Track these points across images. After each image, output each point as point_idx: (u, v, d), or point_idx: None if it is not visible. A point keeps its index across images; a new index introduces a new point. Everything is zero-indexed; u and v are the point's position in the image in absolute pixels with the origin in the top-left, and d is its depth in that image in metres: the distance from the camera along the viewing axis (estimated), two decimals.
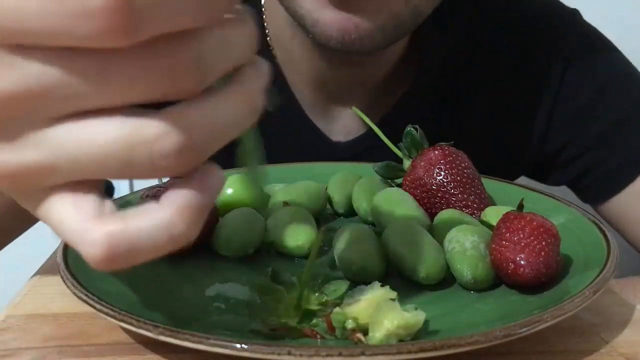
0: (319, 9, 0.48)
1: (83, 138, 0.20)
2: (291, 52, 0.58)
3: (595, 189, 0.60)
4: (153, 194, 0.41)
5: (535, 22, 0.61)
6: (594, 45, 0.60)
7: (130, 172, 0.21)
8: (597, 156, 0.59)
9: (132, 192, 0.49)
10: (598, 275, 0.33)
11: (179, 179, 0.23)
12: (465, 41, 0.60)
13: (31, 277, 0.41)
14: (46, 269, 0.42)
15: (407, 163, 0.45)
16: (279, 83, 0.59)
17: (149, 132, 0.20)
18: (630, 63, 0.61)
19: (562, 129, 0.60)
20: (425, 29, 0.58)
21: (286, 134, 0.60)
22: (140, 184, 1.25)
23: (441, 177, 0.42)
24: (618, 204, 0.59)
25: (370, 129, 0.60)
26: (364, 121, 0.60)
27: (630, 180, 0.58)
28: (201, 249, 0.41)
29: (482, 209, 0.42)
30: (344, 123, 0.61)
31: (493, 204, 0.45)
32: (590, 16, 0.63)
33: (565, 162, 0.61)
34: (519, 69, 0.60)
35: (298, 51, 0.57)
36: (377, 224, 0.43)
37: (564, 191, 0.64)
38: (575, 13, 0.62)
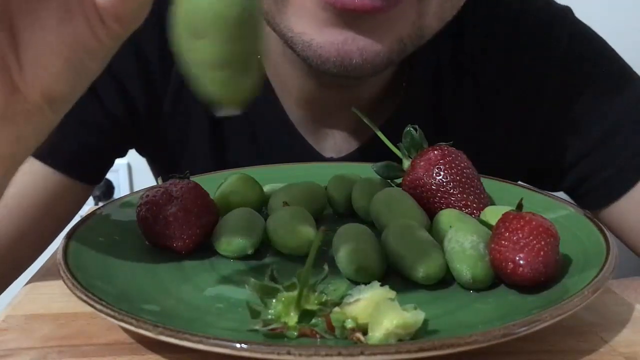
0: (316, 30, 0.44)
1: None
2: (280, 69, 0.57)
3: (594, 196, 0.59)
4: (153, 194, 0.41)
5: (525, 24, 0.59)
6: (588, 47, 0.59)
7: None
8: (595, 163, 0.58)
9: (132, 192, 0.50)
10: (597, 275, 0.33)
11: None
12: (453, 52, 0.59)
13: (31, 277, 0.41)
14: (46, 269, 0.42)
15: (406, 163, 0.45)
16: (269, 99, 0.58)
17: None
18: (625, 62, 0.60)
19: (558, 136, 0.59)
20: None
21: (278, 150, 0.59)
22: (140, 184, 1.26)
23: (440, 177, 0.43)
24: (617, 210, 0.58)
25: (362, 147, 0.60)
26: (355, 138, 0.60)
27: (628, 186, 0.57)
28: (201, 249, 0.41)
29: (482, 209, 0.42)
30: (335, 141, 0.60)
31: (492, 203, 0.45)
32: (581, 13, 0.61)
33: (562, 170, 0.60)
34: (510, 76, 0.59)
35: (286, 69, 0.56)
36: (377, 224, 0.43)
37: None
38: (567, 11, 0.60)
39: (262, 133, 0.60)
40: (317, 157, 0.60)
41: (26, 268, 0.56)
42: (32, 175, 0.54)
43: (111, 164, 0.62)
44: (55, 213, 0.56)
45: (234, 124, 0.59)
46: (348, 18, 0.43)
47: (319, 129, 0.60)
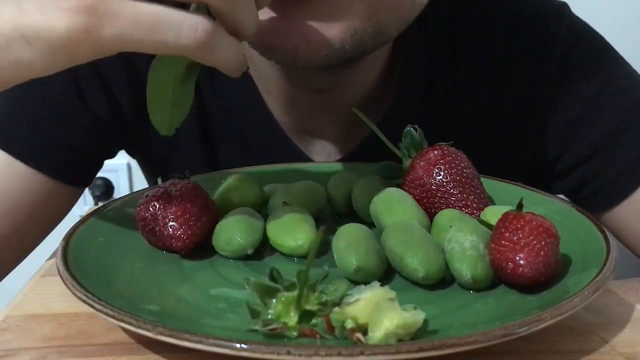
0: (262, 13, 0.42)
1: None
2: (263, 74, 0.56)
3: (595, 200, 0.58)
4: (153, 194, 0.41)
5: (521, 22, 0.58)
6: (586, 45, 0.58)
7: None
8: (595, 167, 0.57)
9: (132, 192, 0.50)
10: (597, 275, 0.33)
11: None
12: (447, 51, 0.58)
13: (31, 277, 0.41)
14: (46, 269, 0.42)
15: (406, 163, 0.45)
16: (256, 102, 0.58)
17: None
18: (624, 60, 0.59)
19: (557, 138, 0.58)
20: (407, 42, 0.56)
21: (267, 153, 0.59)
22: (140, 184, 1.26)
23: (440, 177, 0.43)
24: (618, 214, 0.57)
25: (352, 151, 0.59)
26: (345, 143, 0.59)
27: (630, 190, 0.56)
28: (201, 249, 0.41)
29: (482, 209, 0.42)
30: (324, 145, 0.59)
31: (492, 203, 0.45)
32: (579, 9, 0.61)
33: (562, 173, 0.60)
34: (507, 76, 0.58)
35: (268, 73, 0.56)
36: (376, 224, 0.43)
37: None
38: (564, 7, 0.59)
39: (251, 137, 0.59)
40: (306, 160, 0.59)
41: (8, 271, 0.55)
42: (17, 178, 0.53)
43: (100, 166, 0.61)
44: (41, 216, 0.55)
45: (223, 126, 0.59)
46: (292, 2, 0.42)
47: (307, 132, 0.59)
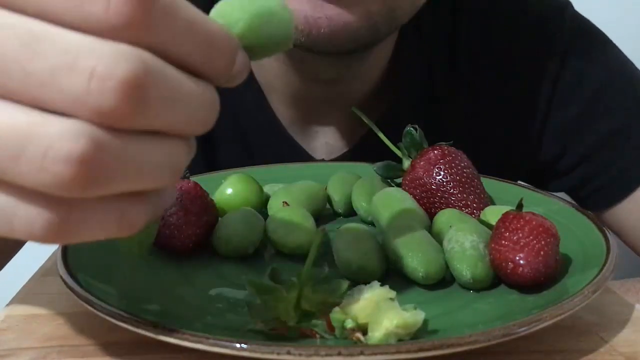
0: None
1: None
2: (266, 68, 0.57)
3: (595, 199, 0.59)
4: None
5: (522, 20, 0.58)
6: (588, 43, 0.58)
7: (15, 167, 0.20)
8: (596, 165, 0.57)
9: None
10: (597, 275, 0.33)
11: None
12: (448, 48, 0.58)
13: (31, 277, 0.41)
14: (46, 269, 0.42)
15: (406, 163, 0.45)
16: (258, 100, 0.58)
17: (53, 129, 0.19)
18: (626, 58, 0.59)
19: (558, 137, 0.58)
20: (406, 41, 0.57)
21: (268, 151, 0.59)
22: None
23: (440, 177, 0.43)
24: (619, 212, 0.57)
25: (353, 148, 0.59)
26: (346, 140, 0.60)
27: (630, 189, 0.56)
28: (201, 249, 0.41)
29: (482, 209, 0.42)
30: (326, 141, 0.60)
31: (492, 203, 0.45)
32: (581, 7, 0.61)
33: (563, 171, 0.60)
34: (508, 74, 0.58)
35: (272, 67, 0.56)
36: (376, 224, 0.43)
37: None
38: (566, 5, 0.59)
39: (252, 134, 0.59)
40: (307, 158, 0.59)
41: (9, 258, 0.56)
42: None
43: None
44: None
45: (223, 125, 0.59)
46: None
47: (309, 129, 0.59)
